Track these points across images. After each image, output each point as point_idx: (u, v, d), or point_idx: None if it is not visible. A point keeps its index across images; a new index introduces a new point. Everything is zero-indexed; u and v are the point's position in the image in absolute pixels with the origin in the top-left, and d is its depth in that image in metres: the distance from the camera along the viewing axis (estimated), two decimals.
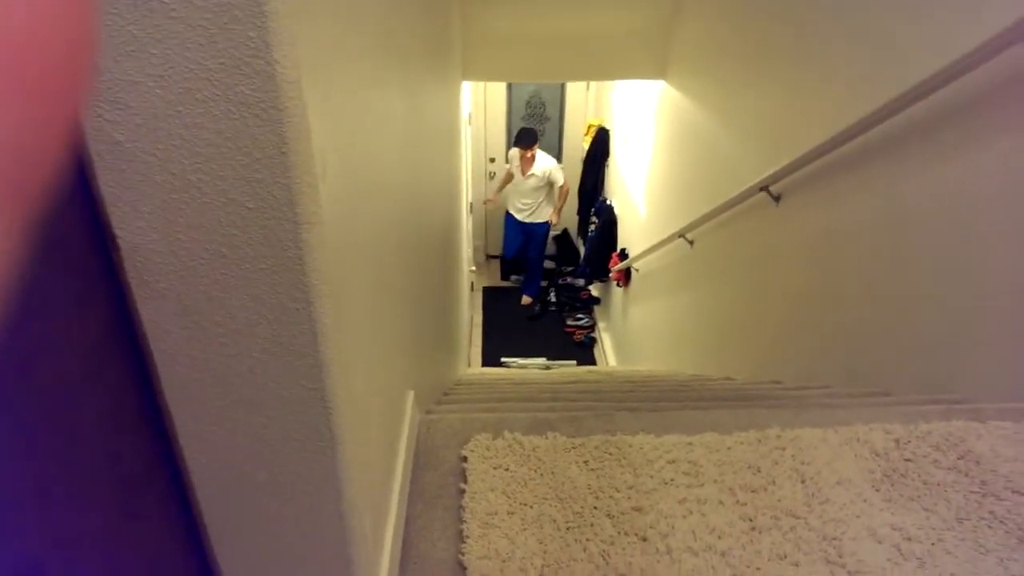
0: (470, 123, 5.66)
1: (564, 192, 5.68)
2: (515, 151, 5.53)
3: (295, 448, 0.74)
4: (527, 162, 5.45)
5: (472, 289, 5.86)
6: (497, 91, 6.34)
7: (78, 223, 0.59)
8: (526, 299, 6.22)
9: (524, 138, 5.39)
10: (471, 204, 5.81)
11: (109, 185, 0.59)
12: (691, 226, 3.40)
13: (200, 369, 0.68)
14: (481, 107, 6.28)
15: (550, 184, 5.58)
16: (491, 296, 6.39)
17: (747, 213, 2.81)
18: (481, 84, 6.02)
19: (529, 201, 5.67)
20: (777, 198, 2.50)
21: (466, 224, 5.12)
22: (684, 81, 3.90)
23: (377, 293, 1.03)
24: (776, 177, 2.40)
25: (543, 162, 5.47)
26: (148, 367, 0.68)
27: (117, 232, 0.61)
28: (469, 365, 4.86)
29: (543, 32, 4.15)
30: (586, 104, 6.53)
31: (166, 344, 0.66)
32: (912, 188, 1.75)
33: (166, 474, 0.74)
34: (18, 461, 0.52)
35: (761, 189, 2.54)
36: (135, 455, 0.69)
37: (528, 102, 6.49)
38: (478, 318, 6.03)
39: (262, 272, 0.64)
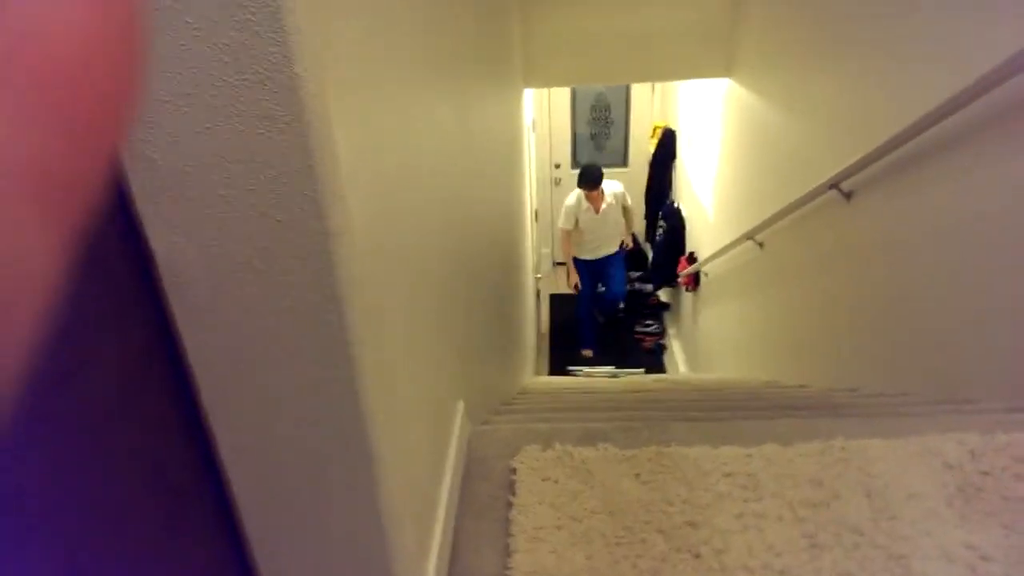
0: (534, 130, 5.67)
1: (632, 213, 5.17)
2: (577, 195, 4.82)
3: (333, 459, 0.74)
4: (596, 199, 4.81)
5: (539, 297, 5.84)
6: (561, 96, 6.33)
7: (118, 238, 0.62)
8: (586, 352, 5.56)
9: (588, 178, 4.69)
10: (536, 211, 5.80)
11: (144, 201, 0.60)
12: (760, 227, 3.29)
13: (237, 380, 0.69)
14: (545, 113, 6.28)
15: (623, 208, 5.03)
16: (558, 302, 6.36)
17: (817, 212, 2.70)
18: (544, 90, 6.02)
19: (605, 235, 5.04)
20: (848, 195, 2.39)
21: (531, 231, 5.13)
22: (750, 78, 3.79)
23: (419, 303, 1.03)
24: (846, 173, 2.29)
25: (611, 188, 4.88)
26: (188, 379, 0.70)
27: (153, 246, 0.63)
28: (536, 374, 4.85)
29: (605, 34, 4.11)
30: (651, 105, 6.44)
31: (203, 356, 0.68)
32: (999, 180, 1.64)
33: (209, 485, 0.76)
34: (64, 472, 0.54)
35: (831, 187, 2.43)
36: (178, 466, 0.71)
37: (593, 106, 6.45)
38: (545, 326, 6.01)
39: (293, 284, 0.64)
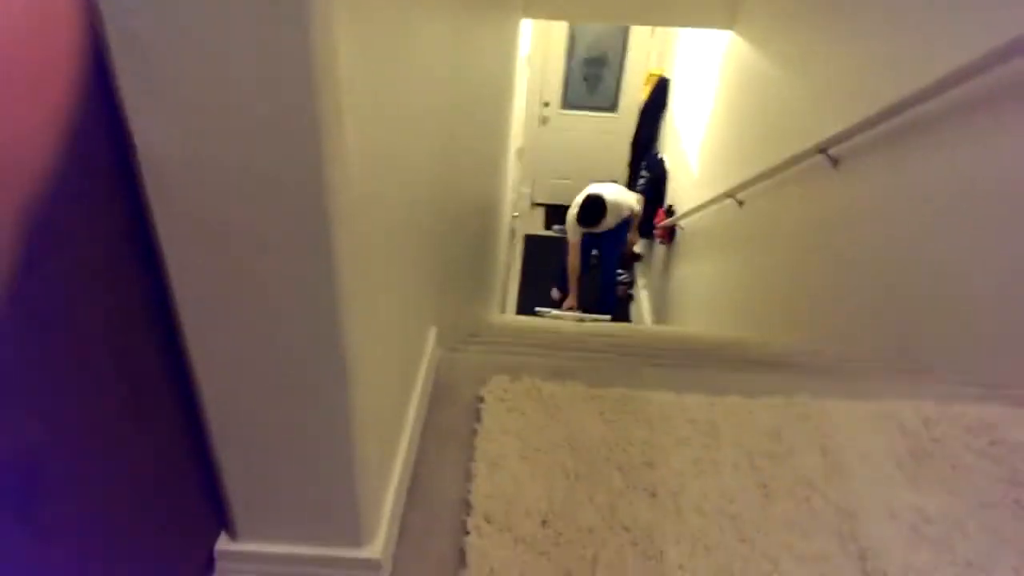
0: (527, 64, 5.53)
1: (638, 211, 4.78)
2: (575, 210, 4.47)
3: (307, 365, 0.73)
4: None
5: (513, 236, 5.82)
6: (558, 32, 6.16)
7: (99, 123, 0.59)
8: (557, 294, 5.35)
9: (590, 218, 4.32)
10: (520, 149, 5.72)
11: (131, 95, 0.57)
12: (743, 186, 3.29)
13: (213, 282, 0.67)
14: (540, 47, 6.12)
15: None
16: (532, 244, 6.36)
17: (803, 176, 2.70)
18: (542, 24, 5.85)
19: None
20: (835, 161, 2.39)
21: (513, 169, 5.06)
22: (752, 32, 3.73)
23: (405, 227, 1.01)
24: (837, 139, 2.29)
25: (619, 208, 4.47)
26: (163, 276, 0.68)
27: (136, 141, 0.60)
28: (503, 312, 4.87)
29: None
30: (649, 52, 6.31)
31: (180, 255, 0.66)
32: (984, 160, 1.65)
33: (174, 383, 0.75)
34: (28, 347, 0.52)
35: (820, 151, 2.43)
36: (144, 359, 0.69)
37: (589, 46, 6.30)
38: (517, 265, 6.01)
39: (282, 188, 0.62)
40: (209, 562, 0.86)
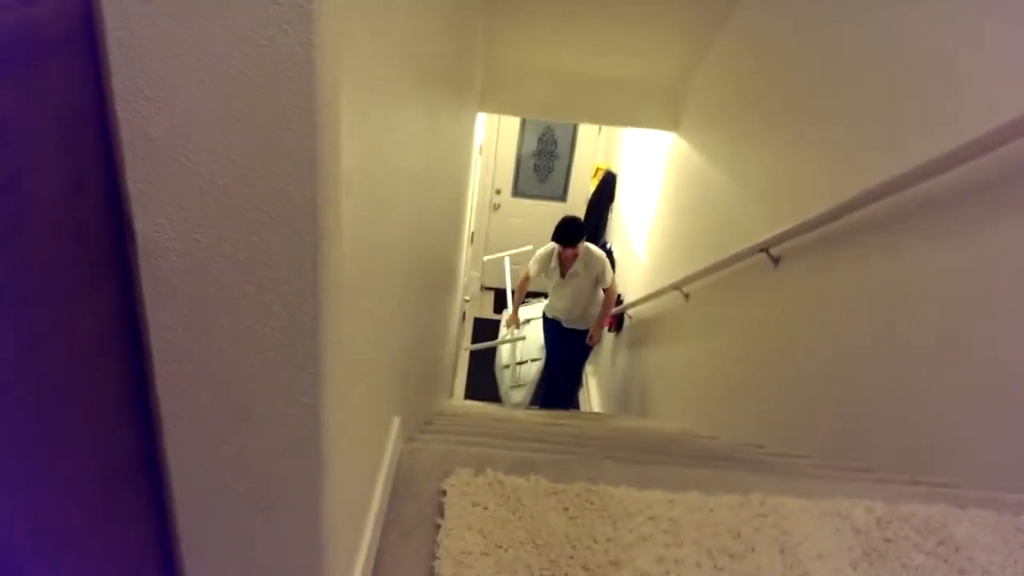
0: (481, 153, 5.71)
1: (612, 296, 4.17)
2: (546, 250, 4.05)
3: (281, 462, 0.72)
4: (568, 260, 3.98)
5: (463, 319, 5.84)
6: (510, 123, 6.41)
7: (99, 213, 0.59)
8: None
9: (567, 232, 3.80)
10: (472, 234, 5.83)
11: (136, 180, 0.59)
12: (688, 279, 3.41)
13: (198, 371, 0.67)
14: (493, 138, 6.35)
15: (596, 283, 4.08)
16: (481, 327, 6.38)
17: (745, 272, 2.83)
18: (495, 116, 6.09)
19: (572, 307, 4.19)
20: (776, 260, 2.52)
21: (466, 253, 5.14)
22: (695, 135, 3.96)
23: (380, 312, 1.02)
24: (777, 240, 2.42)
25: (591, 258, 3.99)
26: (145, 364, 0.67)
27: (136, 227, 0.60)
28: (452, 396, 4.83)
29: (563, 71, 4.21)
30: (596, 146, 6.61)
31: (168, 343, 0.65)
32: (910, 266, 1.77)
33: (147, 476, 0.72)
34: (3, 445, 0.51)
35: (761, 250, 2.56)
36: (119, 451, 0.67)
37: (540, 137, 6.57)
38: (466, 345, 6.00)
39: (275, 281, 0.63)
40: None
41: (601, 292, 4.13)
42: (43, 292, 0.53)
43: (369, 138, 0.81)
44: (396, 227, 1.12)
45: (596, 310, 4.19)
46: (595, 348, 5.23)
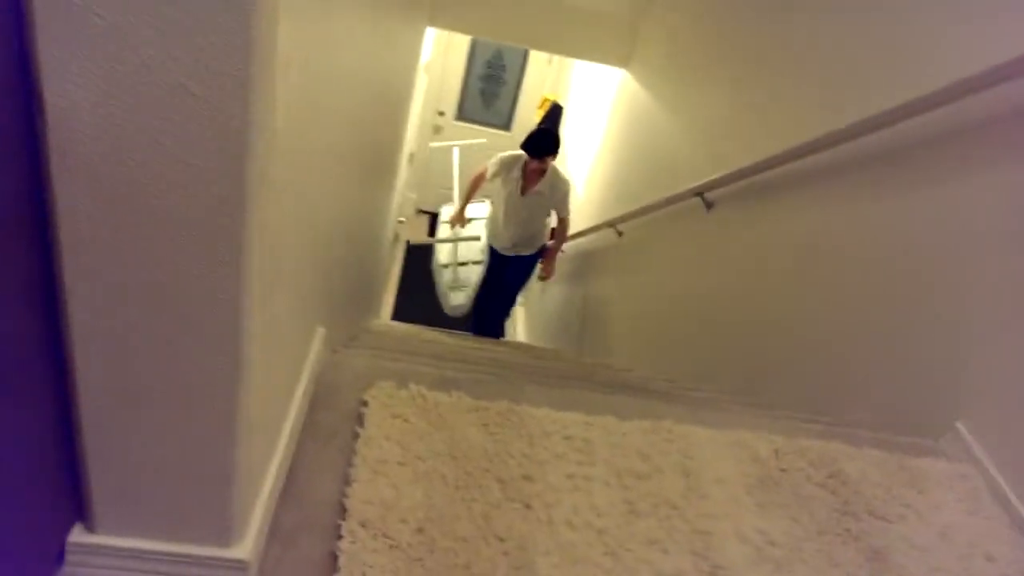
0: (426, 72, 5.53)
1: (567, 227, 3.76)
2: (512, 155, 3.50)
3: (198, 359, 0.70)
4: (533, 175, 3.45)
5: (396, 240, 5.76)
6: (459, 44, 6.21)
7: (6, 80, 0.54)
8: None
9: (543, 143, 3.29)
10: (412, 154, 5.69)
11: (47, 43, 0.53)
12: (623, 218, 3.45)
13: (107, 251, 0.63)
14: (440, 58, 6.14)
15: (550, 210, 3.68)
16: (414, 252, 6.31)
17: (680, 215, 2.88)
18: (444, 34, 5.87)
19: (522, 231, 3.72)
20: (710, 205, 2.57)
21: (403, 173, 5.02)
22: (645, 74, 3.94)
23: (308, 217, 0.99)
24: (712, 185, 2.47)
25: (558, 180, 3.50)
26: (51, 242, 0.63)
27: (47, 96, 0.56)
28: (379, 317, 4.80)
29: None
30: (545, 76, 6.49)
31: (75, 222, 0.61)
32: (822, 217, 1.84)
33: (47, 361, 0.69)
34: None
35: (696, 194, 2.60)
36: (17, 335, 0.64)
37: (488, 61, 6.39)
38: (396, 270, 5.95)
39: (197, 167, 0.60)
40: (59, 555, 0.80)
41: (550, 220, 3.76)
42: None
43: (309, 26, 0.76)
44: (331, 128, 1.07)
45: (541, 240, 3.81)
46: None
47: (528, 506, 1.06)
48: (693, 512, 1.10)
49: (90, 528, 0.81)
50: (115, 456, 0.76)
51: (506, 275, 4.05)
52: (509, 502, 1.06)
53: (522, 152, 3.37)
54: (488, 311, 4.41)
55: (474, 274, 4.30)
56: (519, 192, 3.53)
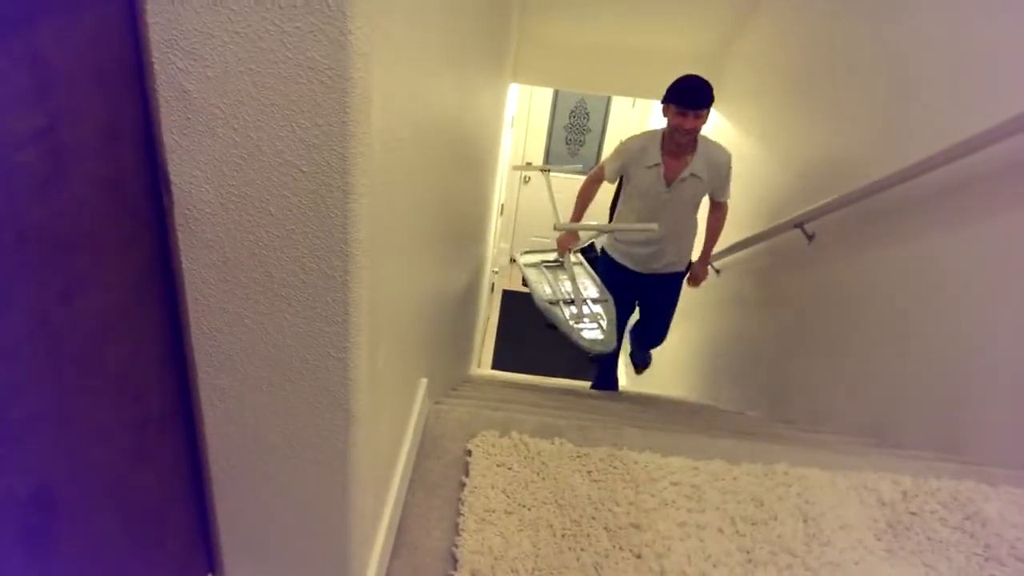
0: (512, 125, 5.68)
1: (725, 214, 2.71)
2: (647, 139, 2.48)
3: (312, 415, 0.75)
4: (681, 151, 2.42)
5: (492, 291, 5.86)
6: (543, 96, 6.35)
7: (135, 163, 0.61)
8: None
9: (695, 87, 2.29)
10: (502, 206, 5.82)
11: (171, 132, 0.60)
12: (720, 255, 3.37)
13: (231, 323, 0.69)
14: (525, 110, 6.30)
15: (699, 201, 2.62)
16: (509, 299, 6.39)
17: (779, 248, 2.79)
18: (528, 88, 6.04)
19: (669, 239, 2.62)
20: (811, 236, 2.48)
21: (495, 225, 5.14)
22: (731, 109, 3.89)
23: (407, 275, 1.04)
24: (811, 215, 2.38)
25: (714, 152, 2.50)
26: (180, 315, 0.69)
27: (172, 179, 0.62)
28: (479, 366, 4.87)
29: (597, 42, 4.15)
30: (630, 120, 6.52)
31: (202, 293, 0.67)
32: (945, 244, 1.73)
33: (181, 424, 0.75)
34: (44, 387, 0.53)
35: (795, 226, 2.52)
36: (154, 399, 0.70)
37: (572, 111, 6.49)
38: (494, 319, 6.03)
39: (306, 235, 0.65)
40: None
41: (696, 215, 2.61)
42: (80, 240, 0.55)
43: (401, 100, 0.81)
44: (425, 192, 1.12)
45: (691, 245, 2.70)
46: None
47: (639, 556, 1.03)
48: (816, 560, 1.03)
49: None
50: (241, 510, 0.81)
51: (651, 301, 2.85)
52: (618, 551, 1.04)
53: (654, 130, 2.43)
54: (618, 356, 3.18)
55: (606, 311, 2.74)
56: (663, 183, 2.41)
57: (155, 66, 0.57)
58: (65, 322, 0.54)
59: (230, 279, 0.67)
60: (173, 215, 0.64)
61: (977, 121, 1.54)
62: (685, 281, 2.82)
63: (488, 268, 4.82)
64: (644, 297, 2.87)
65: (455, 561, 0.99)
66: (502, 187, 5.41)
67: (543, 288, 2.73)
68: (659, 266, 2.69)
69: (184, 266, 0.66)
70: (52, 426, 0.54)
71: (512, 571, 0.98)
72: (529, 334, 5.71)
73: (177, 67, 0.57)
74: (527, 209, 6.80)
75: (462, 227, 2.12)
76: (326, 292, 0.68)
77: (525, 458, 1.20)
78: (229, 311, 0.68)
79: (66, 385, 0.55)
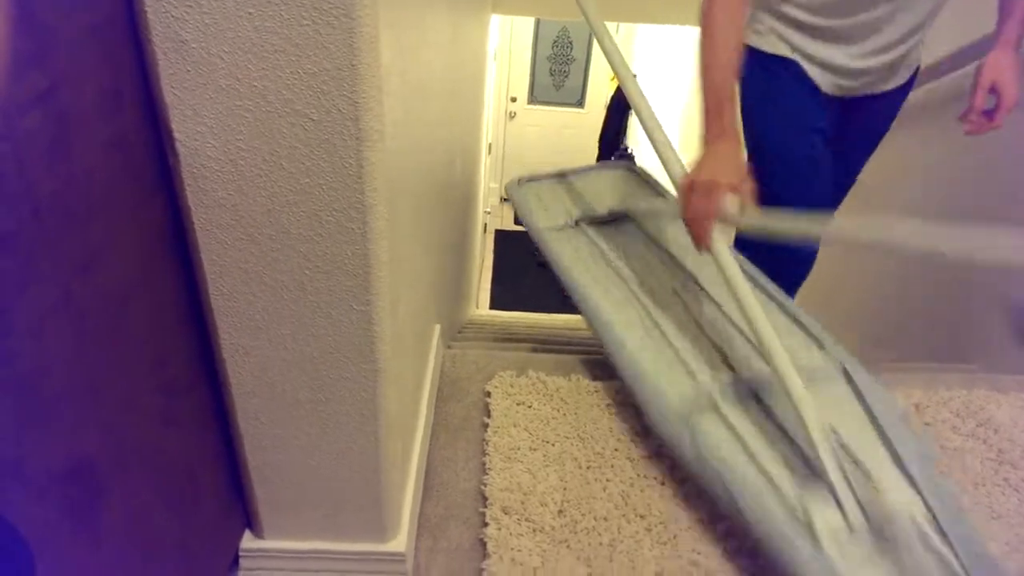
0: (495, 59, 5.54)
1: None
2: None
3: (338, 369, 0.74)
4: None
5: (485, 231, 5.83)
6: (524, 28, 6.18)
7: (138, 126, 0.58)
8: None
9: None
10: (490, 144, 5.73)
11: (172, 87, 0.57)
12: None
13: (250, 282, 0.68)
14: (506, 43, 6.13)
15: None
16: (502, 239, 6.37)
17: None
18: (507, 20, 5.86)
19: (899, 32, 1.16)
20: None
21: (484, 163, 5.07)
22: None
23: (417, 221, 1.02)
24: None
25: None
26: (197, 276, 0.68)
27: (176, 137, 0.60)
28: (477, 307, 4.88)
29: None
30: None
31: (218, 254, 0.66)
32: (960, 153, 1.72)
33: (207, 385, 0.75)
34: (71, 361, 0.52)
35: None
36: (178, 362, 0.69)
37: (555, 41, 6.33)
38: (489, 260, 6.02)
39: (321, 187, 0.63)
40: (234, 560, 0.86)
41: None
42: (92, 208, 0.53)
43: (405, 38, 0.78)
44: (428, 134, 1.10)
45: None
46: None
47: (662, 483, 1.05)
48: None
49: (258, 534, 0.87)
50: (273, 466, 0.82)
51: (847, 138, 1.36)
52: (643, 479, 1.05)
53: None
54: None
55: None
56: None
57: (149, 15, 0.54)
58: (86, 293, 0.53)
59: (245, 238, 0.65)
60: (181, 175, 0.61)
61: None
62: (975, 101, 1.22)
63: (480, 208, 4.78)
64: (845, 129, 1.34)
65: (485, 499, 1.01)
66: (488, 125, 5.31)
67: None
68: (879, 79, 1.28)
69: (197, 227, 0.64)
70: (82, 400, 0.53)
71: (542, 504, 1.00)
72: (523, 271, 5.71)
73: (172, 15, 0.54)
74: (514, 145, 6.70)
75: (459, 167, 2.09)
76: (345, 245, 0.66)
77: (544, 395, 1.20)
78: (247, 271, 0.67)
79: (91, 357, 0.54)
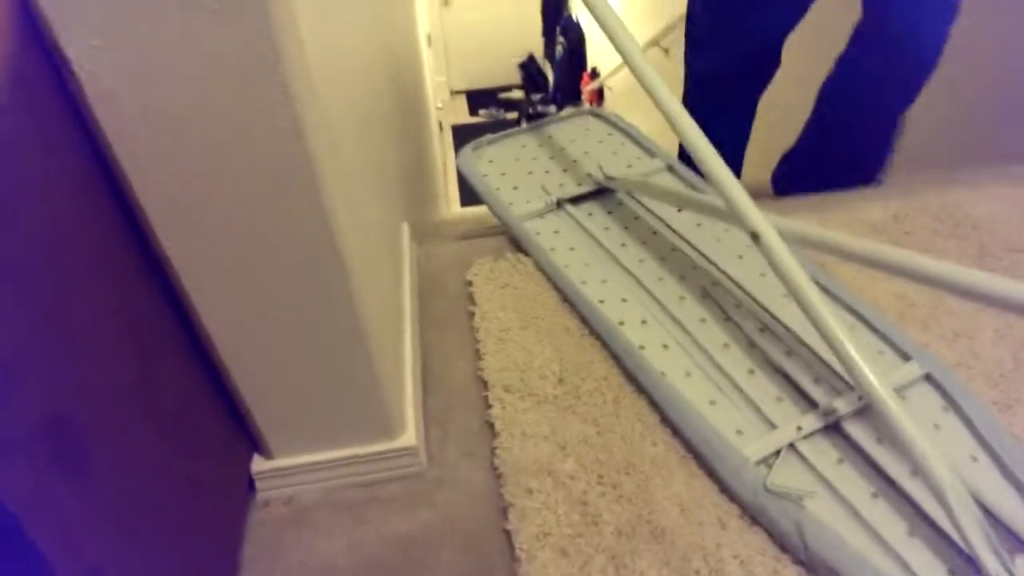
0: None
1: None
2: None
3: (308, 279, 0.71)
4: None
5: (441, 129, 5.66)
6: None
7: (31, 57, 0.53)
8: None
9: None
10: (428, 35, 5.47)
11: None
12: (666, 31, 3.23)
13: (192, 204, 0.63)
14: None
15: None
16: (461, 134, 6.20)
17: None
18: None
19: None
20: None
21: (427, 58, 4.85)
22: None
23: (366, 117, 0.97)
24: None
25: None
26: (136, 208, 0.64)
27: (67, 54, 0.54)
28: (449, 207, 4.82)
29: None
30: None
31: (149, 177, 0.61)
32: None
33: (177, 322, 0.72)
34: (30, 312, 0.49)
35: None
36: (140, 302, 0.66)
37: None
38: (451, 156, 5.89)
39: (246, 90, 0.58)
40: (250, 484, 0.87)
41: None
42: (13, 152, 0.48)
43: None
44: (362, 35, 1.02)
45: None
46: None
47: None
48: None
49: (267, 456, 0.87)
50: (265, 388, 0.80)
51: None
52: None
53: None
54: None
55: None
56: None
57: None
58: (20, 243, 0.49)
59: (176, 158, 0.61)
60: (90, 104, 0.56)
61: None
62: None
63: (432, 105, 4.62)
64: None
65: (485, 383, 1.02)
66: (424, 16, 5.04)
67: None
68: None
69: (118, 152, 0.59)
70: (52, 352, 0.51)
71: (541, 377, 1.01)
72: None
73: None
74: (455, 35, 6.41)
75: (400, 63, 1.99)
76: (283, 159, 0.62)
77: (525, 275, 1.19)
78: (188, 192, 0.63)
79: (53, 304, 0.51)
